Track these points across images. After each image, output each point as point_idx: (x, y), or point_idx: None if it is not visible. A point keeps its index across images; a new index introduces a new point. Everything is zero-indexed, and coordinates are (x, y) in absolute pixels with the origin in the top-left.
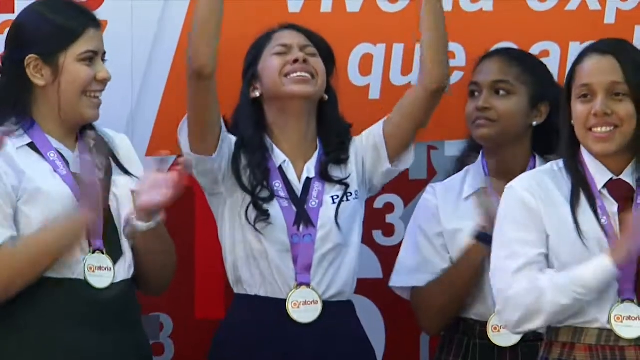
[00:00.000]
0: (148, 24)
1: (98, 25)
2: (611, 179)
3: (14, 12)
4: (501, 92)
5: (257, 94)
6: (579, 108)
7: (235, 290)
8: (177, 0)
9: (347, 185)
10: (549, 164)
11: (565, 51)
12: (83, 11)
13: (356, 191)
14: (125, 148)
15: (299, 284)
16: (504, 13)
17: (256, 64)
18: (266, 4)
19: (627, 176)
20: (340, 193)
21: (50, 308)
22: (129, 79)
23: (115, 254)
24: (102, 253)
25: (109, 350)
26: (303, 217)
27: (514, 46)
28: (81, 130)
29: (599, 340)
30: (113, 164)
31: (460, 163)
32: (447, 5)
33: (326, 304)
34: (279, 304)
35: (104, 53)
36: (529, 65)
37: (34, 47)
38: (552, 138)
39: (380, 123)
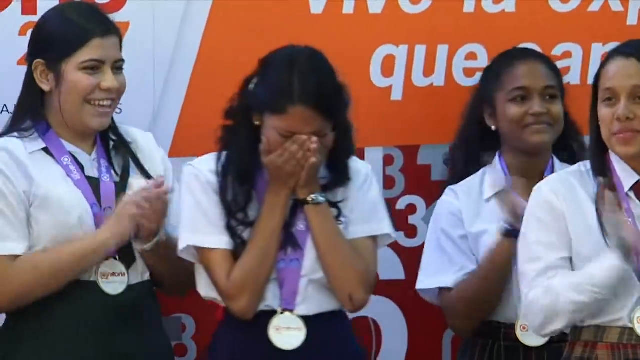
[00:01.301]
0: (170, 24)
1: (109, 33)
2: (638, 181)
3: (36, 14)
4: (549, 97)
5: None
6: (603, 111)
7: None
8: (199, 0)
9: (339, 209)
10: (576, 166)
11: (587, 52)
12: (95, 19)
13: (346, 217)
14: (148, 147)
15: (284, 310)
16: (526, 14)
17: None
18: (288, 6)
19: None
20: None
21: (66, 313)
22: (151, 80)
23: (128, 259)
24: (115, 259)
25: (125, 354)
26: (289, 241)
27: (537, 47)
28: (104, 133)
29: (621, 339)
30: (132, 165)
31: (470, 163)
32: (470, 7)
33: (310, 328)
34: (262, 328)
35: (118, 61)
36: (557, 69)
37: (41, 52)
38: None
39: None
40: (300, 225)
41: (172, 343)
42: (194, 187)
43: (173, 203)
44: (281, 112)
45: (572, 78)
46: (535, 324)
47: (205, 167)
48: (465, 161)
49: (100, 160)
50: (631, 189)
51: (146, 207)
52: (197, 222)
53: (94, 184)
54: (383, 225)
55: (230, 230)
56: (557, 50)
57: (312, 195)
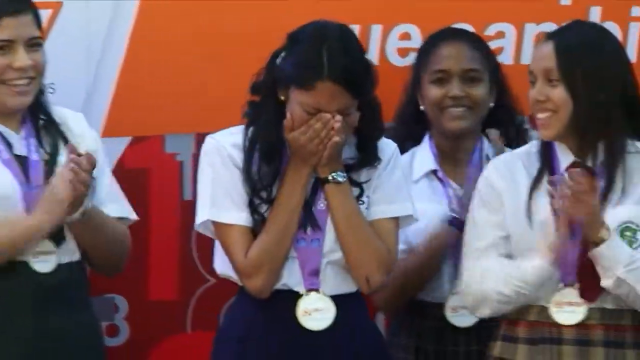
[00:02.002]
0: (104, 4)
1: (21, 11)
2: (574, 162)
3: None
4: (470, 80)
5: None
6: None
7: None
8: None
9: (362, 189)
10: (528, 145)
11: (520, 32)
12: None
13: (369, 197)
14: (79, 127)
15: (308, 290)
16: None
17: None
18: None
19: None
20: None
21: None
22: (84, 60)
23: (57, 237)
24: (44, 238)
25: (57, 331)
26: (309, 220)
27: (469, 27)
28: (33, 112)
29: (540, 317)
30: (61, 145)
31: (408, 143)
32: None
33: (339, 306)
34: (284, 308)
35: (33, 38)
36: (486, 51)
37: None
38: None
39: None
40: (320, 205)
41: (104, 323)
42: (214, 160)
43: (104, 177)
44: (308, 87)
45: (504, 58)
46: (468, 304)
47: (228, 140)
48: (401, 141)
49: (29, 138)
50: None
51: (72, 177)
52: (216, 196)
53: (22, 162)
54: (406, 206)
55: (252, 207)
56: (490, 30)
57: (333, 174)
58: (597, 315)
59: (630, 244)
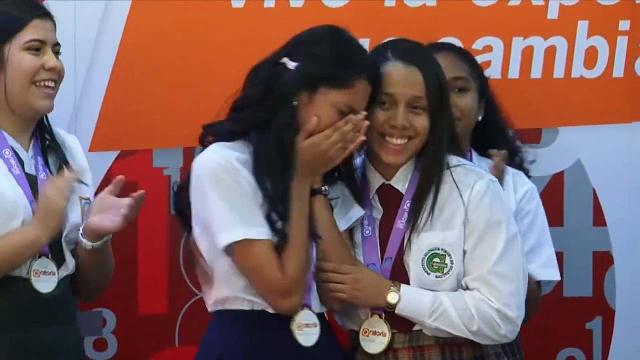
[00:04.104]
0: (91, 20)
1: (46, 15)
2: (382, 184)
3: None
4: (458, 90)
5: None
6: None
7: (233, 307)
8: (119, 0)
9: (331, 206)
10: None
11: (508, 47)
12: (29, 3)
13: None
14: (76, 149)
15: (303, 306)
16: (447, 8)
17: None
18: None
19: (396, 182)
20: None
21: None
22: (72, 75)
23: (58, 259)
24: (47, 257)
25: (53, 345)
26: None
27: (457, 42)
28: (40, 131)
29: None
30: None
31: None
32: (391, 1)
33: (322, 325)
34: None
35: (57, 44)
36: (470, 63)
37: None
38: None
39: None
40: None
41: (93, 337)
42: (225, 178)
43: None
44: (348, 85)
45: (492, 72)
46: None
47: (232, 155)
48: None
49: (37, 157)
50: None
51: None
52: (244, 214)
53: (31, 181)
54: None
55: (270, 222)
56: (478, 44)
57: (324, 186)
58: (402, 339)
59: (440, 269)
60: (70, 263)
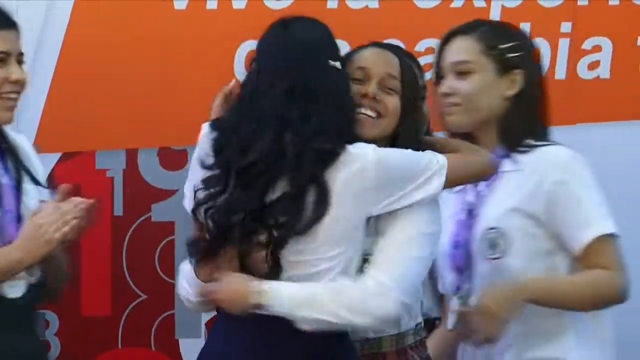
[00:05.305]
0: (33, 21)
1: (11, 26)
2: None
3: None
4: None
5: None
6: None
7: None
8: (62, 0)
9: None
10: None
11: None
12: None
13: None
14: (29, 150)
15: None
16: (389, 10)
17: None
18: (152, 1)
19: None
20: None
21: None
22: None
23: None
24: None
25: (26, 351)
26: None
27: (400, 43)
28: None
29: None
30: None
31: None
32: (333, 3)
33: None
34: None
35: (21, 54)
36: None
37: None
38: None
39: None
40: None
41: None
42: None
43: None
44: None
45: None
46: None
47: None
48: None
49: None
50: None
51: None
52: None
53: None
54: None
55: None
56: (420, 46)
57: None
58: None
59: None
60: (36, 268)
